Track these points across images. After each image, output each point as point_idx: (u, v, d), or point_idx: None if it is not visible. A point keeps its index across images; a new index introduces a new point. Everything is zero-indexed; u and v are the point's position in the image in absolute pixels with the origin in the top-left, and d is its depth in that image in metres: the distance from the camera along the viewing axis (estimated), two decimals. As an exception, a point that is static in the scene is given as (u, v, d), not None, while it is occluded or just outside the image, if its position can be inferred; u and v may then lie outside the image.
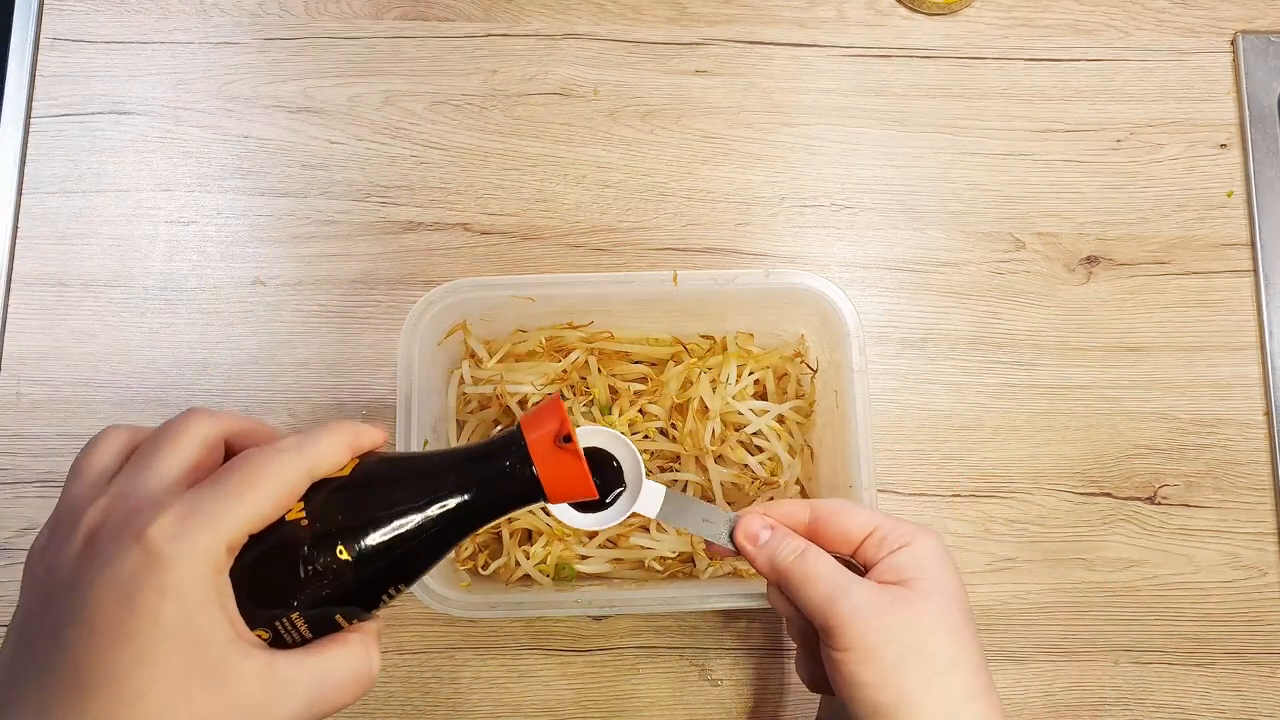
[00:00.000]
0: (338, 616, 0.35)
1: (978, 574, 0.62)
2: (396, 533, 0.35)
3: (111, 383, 0.64)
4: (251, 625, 0.33)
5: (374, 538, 0.34)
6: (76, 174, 0.67)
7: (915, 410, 0.64)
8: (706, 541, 0.46)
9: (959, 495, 0.63)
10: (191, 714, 0.30)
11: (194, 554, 0.30)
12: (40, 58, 0.68)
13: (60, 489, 0.34)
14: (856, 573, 0.42)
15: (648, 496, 0.46)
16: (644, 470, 0.46)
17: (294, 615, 0.34)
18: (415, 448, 0.51)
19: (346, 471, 0.36)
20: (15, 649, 0.31)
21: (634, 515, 0.46)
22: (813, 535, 0.44)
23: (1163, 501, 0.63)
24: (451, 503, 0.36)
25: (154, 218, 0.66)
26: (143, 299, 0.65)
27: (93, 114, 0.67)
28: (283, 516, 0.34)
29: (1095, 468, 0.64)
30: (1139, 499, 0.63)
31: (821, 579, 0.41)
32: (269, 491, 0.32)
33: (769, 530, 0.44)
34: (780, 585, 0.43)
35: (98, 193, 0.66)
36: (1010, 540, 0.63)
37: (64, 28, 0.69)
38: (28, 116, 0.67)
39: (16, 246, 0.65)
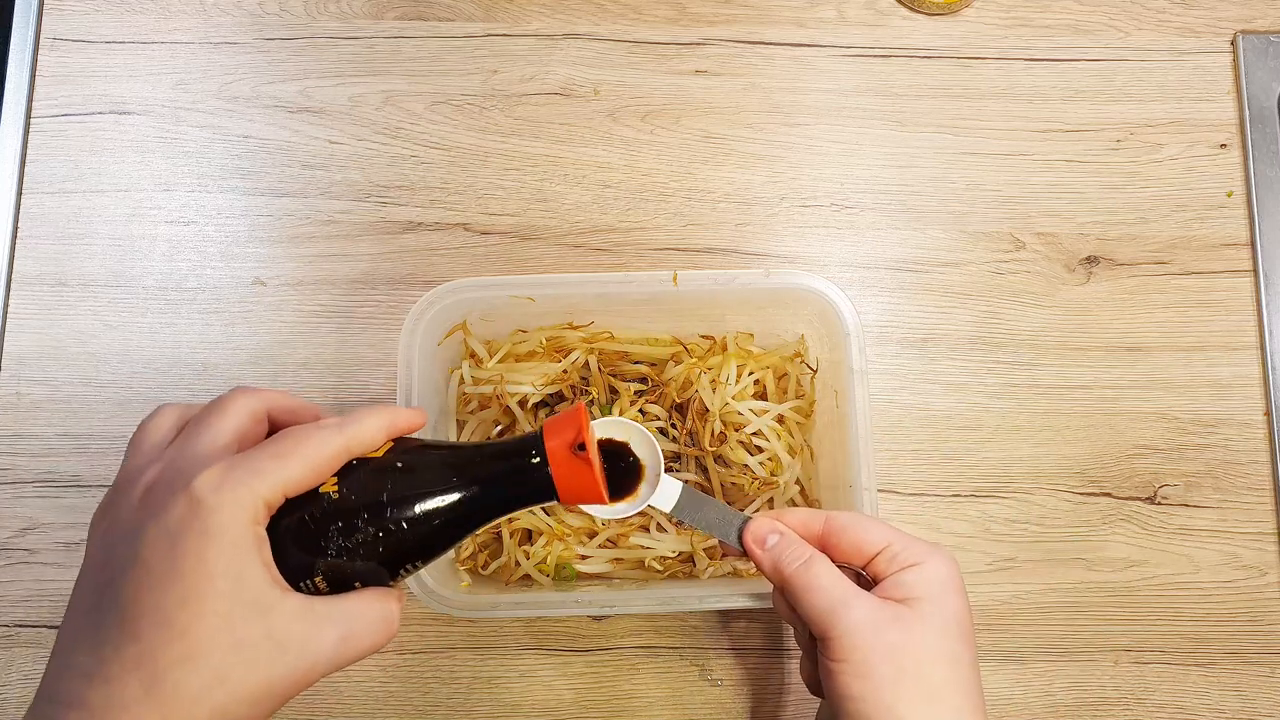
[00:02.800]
0: (356, 584, 0.37)
1: (978, 574, 0.62)
2: (419, 514, 0.37)
3: (111, 383, 0.64)
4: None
5: (398, 517, 0.37)
6: (76, 174, 0.67)
7: (915, 410, 0.64)
8: (720, 541, 0.46)
9: (959, 495, 0.63)
10: (235, 645, 0.33)
11: (234, 503, 0.33)
12: (40, 58, 0.68)
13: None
14: (865, 585, 0.42)
15: (665, 491, 0.47)
16: (663, 465, 0.47)
17: (317, 578, 0.36)
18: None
19: (381, 453, 0.38)
20: (79, 596, 0.35)
21: (647, 509, 0.46)
22: (824, 546, 0.44)
23: (1163, 501, 0.63)
24: (471, 493, 0.38)
25: (154, 218, 0.66)
26: (143, 299, 0.65)
27: (93, 114, 0.67)
28: (317, 488, 0.36)
29: (1095, 468, 0.64)
30: (1139, 499, 0.63)
31: (822, 589, 0.41)
32: (306, 461, 0.35)
33: (777, 535, 0.44)
34: (783, 591, 0.43)
35: (98, 193, 0.66)
36: (1010, 540, 0.63)
37: (64, 28, 0.69)
38: (28, 116, 0.67)
39: (16, 246, 0.65)
